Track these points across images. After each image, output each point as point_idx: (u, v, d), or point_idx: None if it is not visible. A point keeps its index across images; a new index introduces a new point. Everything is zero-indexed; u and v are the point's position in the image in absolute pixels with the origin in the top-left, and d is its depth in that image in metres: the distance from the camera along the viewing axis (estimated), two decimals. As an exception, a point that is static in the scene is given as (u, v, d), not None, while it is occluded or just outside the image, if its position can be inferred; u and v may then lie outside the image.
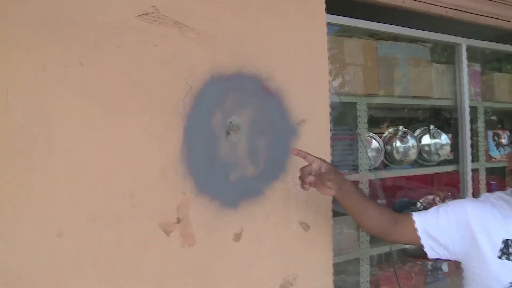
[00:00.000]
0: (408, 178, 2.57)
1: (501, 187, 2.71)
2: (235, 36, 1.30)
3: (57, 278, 1.06)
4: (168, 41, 1.19)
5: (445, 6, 2.01)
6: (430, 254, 1.25)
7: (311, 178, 1.14)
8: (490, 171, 2.55)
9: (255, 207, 1.33)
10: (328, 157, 1.48)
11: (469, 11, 2.08)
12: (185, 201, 1.21)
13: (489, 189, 2.50)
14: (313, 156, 1.19)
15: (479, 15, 2.14)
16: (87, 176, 1.09)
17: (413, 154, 2.22)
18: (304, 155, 1.19)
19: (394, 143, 2.20)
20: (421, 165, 2.33)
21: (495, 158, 2.50)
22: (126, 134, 1.14)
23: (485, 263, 1.18)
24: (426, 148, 2.31)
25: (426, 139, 2.30)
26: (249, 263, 1.32)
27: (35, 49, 1.04)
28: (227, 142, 1.28)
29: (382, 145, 2.15)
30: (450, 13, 2.03)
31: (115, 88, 1.12)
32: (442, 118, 2.66)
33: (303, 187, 1.16)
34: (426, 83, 2.19)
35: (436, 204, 2.39)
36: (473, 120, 2.37)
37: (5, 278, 1.01)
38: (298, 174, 1.17)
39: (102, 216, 1.11)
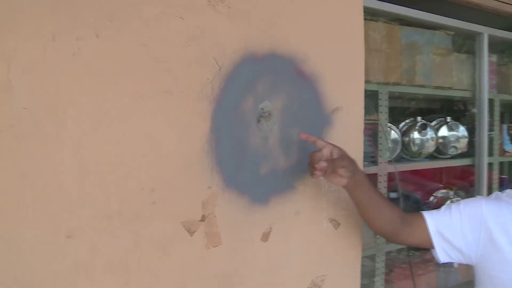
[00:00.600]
0: (418, 172, 2.47)
1: None
2: (270, 13, 1.14)
3: (66, 285, 0.91)
4: (196, 14, 1.02)
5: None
6: (442, 257, 1.14)
7: (322, 164, 1.02)
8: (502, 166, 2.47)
9: (286, 203, 1.19)
10: (361, 149, 1.35)
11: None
12: (211, 197, 1.06)
13: (501, 184, 2.41)
14: (324, 141, 1.08)
15: (505, 2, 2.03)
16: (101, 167, 0.93)
17: (431, 146, 2.10)
18: (314, 139, 1.09)
19: (411, 135, 2.08)
20: (435, 158, 2.23)
21: (509, 152, 2.41)
22: (147, 120, 0.97)
23: (507, 265, 1.07)
24: (441, 140, 2.20)
25: (443, 131, 2.19)
26: (276, 265, 1.19)
27: (43, 17, 0.86)
28: (257, 130, 1.13)
29: (400, 136, 2.04)
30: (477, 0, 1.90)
31: (134, 66, 0.96)
32: (456, 110, 2.55)
33: (312, 174, 1.05)
34: (447, 73, 2.07)
35: (450, 198, 2.31)
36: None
37: (7, 285, 0.85)
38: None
39: (119, 214, 0.95)
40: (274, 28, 1.15)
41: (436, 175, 2.62)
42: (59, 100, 0.89)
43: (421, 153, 2.10)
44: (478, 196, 1.44)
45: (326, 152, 1.08)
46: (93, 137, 0.92)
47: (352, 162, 1.09)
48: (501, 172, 2.54)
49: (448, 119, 2.22)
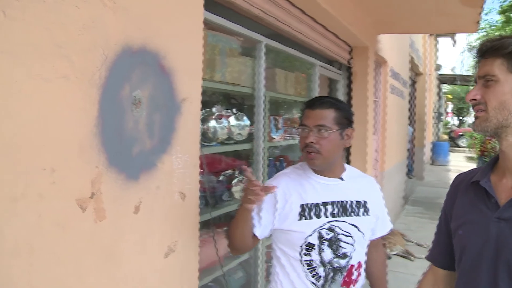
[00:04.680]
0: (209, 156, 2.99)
1: (288, 162, 3.49)
2: (144, 11, 1.37)
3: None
4: (89, 5, 1.17)
5: (259, 8, 2.50)
6: (262, 236, 1.68)
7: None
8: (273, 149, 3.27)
9: (150, 179, 1.45)
10: (198, 134, 1.72)
11: (273, 16, 2.65)
12: (98, 175, 1.23)
13: (275, 164, 3.22)
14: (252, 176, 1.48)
15: (280, 21, 2.76)
16: (8, 149, 0.99)
17: (224, 133, 2.64)
18: (252, 179, 1.44)
19: (209, 123, 2.57)
20: (225, 144, 2.79)
21: (275, 138, 3.22)
22: (50, 103, 1.08)
23: (291, 226, 1.65)
24: (231, 128, 2.78)
25: (232, 121, 2.77)
26: (145, 235, 1.44)
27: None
28: (132, 116, 1.35)
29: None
30: (262, 15, 2.54)
31: (39, 49, 1.05)
32: (234, 103, 3.19)
33: (257, 201, 1.45)
34: (236, 72, 2.64)
35: (236, 177, 2.93)
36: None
37: None
38: (179, 148, 1.51)
39: (24, 196, 1.03)
40: (146, 26, 1.39)
41: (222, 159, 3.21)
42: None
43: (217, 139, 2.60)
44: (267, 181, 1.88)
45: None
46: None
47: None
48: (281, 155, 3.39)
49: (235, 110, 2.81)
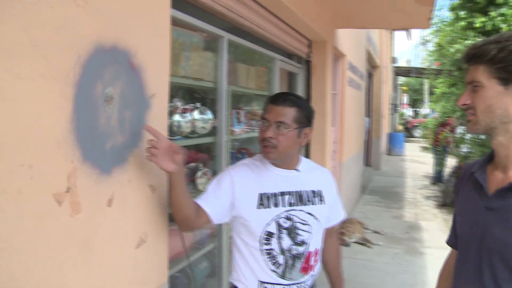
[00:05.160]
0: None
1: (250, 154, 3.59)
2: (115, 10, 1.43)
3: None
4: (63, 5, 1.23)
5: (222, 4, 2.59)
6: (217, 221, 1.75)
7: (154, 151, 1.47)
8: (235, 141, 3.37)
9: (122, 173, 1.52)
10: (166, 128, 1.80)
11: (236, 12, 2.74)
12: (73, 170, 1.29)
13: (237, 156, 3.32)
14: (163, 135, 1.52)
15: (242, 17, 2.85)
16: (-12, 145, 1.05)
17: (188, 127, 2.72)
18: (154, 132, 1.50)
19: (174, 117, 2.63)
20: (189, 137, 2.87)
21: (236, 131, 3.32)
22: (28, 101, 1.13)
23: (249, 214, 1.75)
24: (195, 122, 2.86)
25: (195, 114, 2.85)
26: (118, 227, 1.51)
27: None
28: (104, 112, 1.42)
29: (167, 119, 2.55)
30: (224, 11, 2.63)
31: (17, 49, 1.10)
32: (197, 97, 3.26)
33: (151, 156, 1.48)
34: (200, 67, 2.72)
35: (199, 169, 3.01)
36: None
37: None
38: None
39: (4, 191, 1.08)
40: (117, 25, 1.45)
41: (186, 152, 3.28)
42: None
43: (181, 132, 2.68)
44: (227, 168, 1.99)
45: (165, 143, 1.49)
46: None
47: (184, 153, 1.55)
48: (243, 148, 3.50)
49: (198, 104, 2.89)
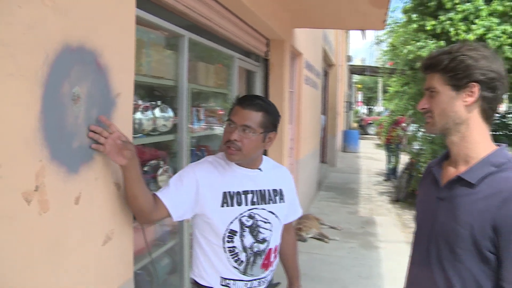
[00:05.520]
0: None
1: (209, 151, 3.65)
2: (82, 10, 1.46)
3: None
4: (31, 5, 1.25)
5: (183, 4, 2.63)
6: (177, 219, 1.79)
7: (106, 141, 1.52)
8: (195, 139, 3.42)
9: (89, 171, 1.55)
10: (131, 125, 1.83)
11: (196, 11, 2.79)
12: (42, 169, 1.32)
13: (196, 153, 3.37)
14: (115, 125, 1.57)
15: (202, 16, 2.90)
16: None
17: (150, 125, 2.75)
18: (109, 123, 1.55)
19: (134, 115, 2.65)
20: (150, 135, 2.89)
21: (196, 129, 3.37)
22: (-2, 100, 1.15)
23: (213, 212, 1.81)
24: (156, 120, 2.89)
25: (157, 112, 2.87)
26: (85, 224, 1.54)
27: None
28: (72, 111, 1.44)
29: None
30: (186, 10, 2.67)
31: (-14, 49, 1.11)
32: (158, 95, 3.29)
33: (97, 146, 1.52)
34: (160, 65, 2.75)
35: (160, 167, 3.04)
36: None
37: None
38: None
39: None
40: (84, 25, 1.48)
41: (147, 149, 3.30)
42: None
43: (142, 130, 2.70)
44: (190, 164, 2.01)
45: (116, 134, 1.53)
46: None
47: (134, 148, 1.59)
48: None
49: (159, 102, 2.92)
